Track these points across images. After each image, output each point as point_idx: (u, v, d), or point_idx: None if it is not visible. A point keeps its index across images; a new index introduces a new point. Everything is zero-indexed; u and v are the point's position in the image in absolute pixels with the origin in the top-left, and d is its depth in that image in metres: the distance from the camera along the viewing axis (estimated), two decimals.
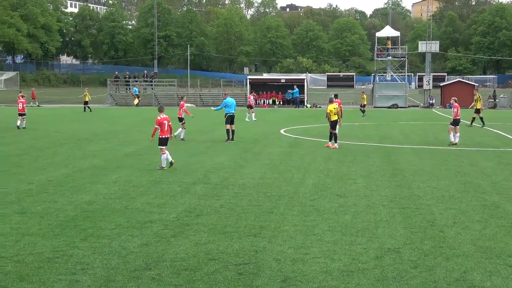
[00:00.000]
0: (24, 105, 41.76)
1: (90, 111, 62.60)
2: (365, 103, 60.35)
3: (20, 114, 40.73)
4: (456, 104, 32.16)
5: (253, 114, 51.17)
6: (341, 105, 37.20)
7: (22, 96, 43.02)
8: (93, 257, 11.29)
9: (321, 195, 17.41)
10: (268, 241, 12.46)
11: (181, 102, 34.41)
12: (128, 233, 12.97)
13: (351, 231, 13.29)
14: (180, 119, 33.34)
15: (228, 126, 32.17)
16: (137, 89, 79.73)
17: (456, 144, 30.99)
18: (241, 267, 10.75)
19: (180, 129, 33.11)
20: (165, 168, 22.25)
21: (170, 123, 23.12)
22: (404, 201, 16.66)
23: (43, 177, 20.23)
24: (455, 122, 31.55)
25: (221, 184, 19.12)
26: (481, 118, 43.58)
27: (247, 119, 49.78)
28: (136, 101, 76.26)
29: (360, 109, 58.93)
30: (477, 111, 43.79)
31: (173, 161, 22.53)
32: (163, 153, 22.46)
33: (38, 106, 70.36)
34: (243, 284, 9.92)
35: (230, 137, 32.02)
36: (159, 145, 22.65)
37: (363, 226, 13.70)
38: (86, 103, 65.21)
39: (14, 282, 9.89)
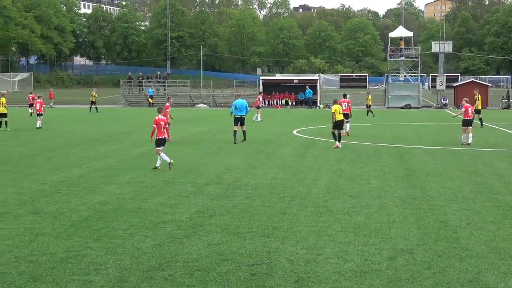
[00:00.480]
0: (43, 105, 42.38)
1: (97, 111, 62.78)
2: (370, 103, 60.29)
3: (38, 115, 41.38)
4: (467, 104, 32.14)
5: (259, 114, 51.25)
6: (349, 105, 37.56)
7: (39, 97, 43.58)
8: (106, 257, 11.31)
9: (334, 196, 17.38)
10: (281, 241, 12.45)
11: (167, 104, 34.26)
12: (141, 234, 12.99)
13: (364, 231, 13.27)
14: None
15: (235, 128, 32.17)
16: (151, 90, 80.00)
17: (469, 144, 30.92)
18: (254, 268, 10.75)
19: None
20: (159, 168, 22.33)
21: (167, 125, 23.29)
22: (417, 201, 16.61)
23: (56, 178, 20.30)
24: (465, 123, 31.57)
25: (234, 185, 19.12)
26: (480, 119, 43.59)
27: (253, 119, 49.81)
28: (150, 101, 76.67)
29: (368, 110, 58.79)
30: (477, 111, 43.83)
31: (171, 161, 22.59)
32: (159, 153, 22.55)
33: (51, 106, 70.60)
34: (255, 284, 9.92)
35: (237, 138, 31.77)
36: (156, 146, 22.73)
37: (376, 227, 13.67)
38: (93, 103, 65.57)
39: (28, 282, 9.92)
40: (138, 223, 13.91)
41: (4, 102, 41.17)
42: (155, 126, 22.73)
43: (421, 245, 12.21)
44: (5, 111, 40.75)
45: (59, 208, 15.54)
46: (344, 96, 40.46)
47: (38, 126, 40.97)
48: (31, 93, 63.89)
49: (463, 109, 32.08)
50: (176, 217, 14.54)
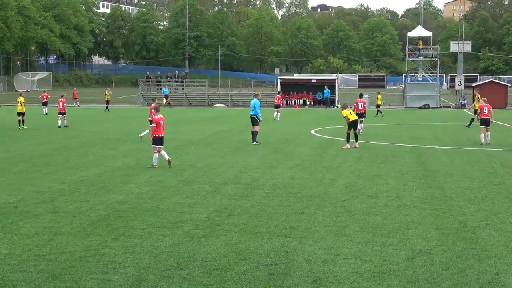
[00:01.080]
0: (64, 104, 42.82)
1: (108, 111, 63.12)
2: (380, 103, 60.23)
3: (60, 113, 41.83)
4: (485, 104, 32.09)
5: (279, 114, 51.37)
6: (365, 105, 38.04)
7: (62, 96, 44.05)
8: (124, 256, 11.35)
9: (352, 196, 17.35)
10: (298, 241, 12.44)
11: (152, 104, 34.07)
12: (159, 233, 13.02)
13: (382, 232, 13.23)
14: (151, 121, 33.05)
15: (252, 128, 31.86)
16: (167, 90, 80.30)
17: (487, 143, 30.84)
18: (271, 268, 10.75)
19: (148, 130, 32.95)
20: (156, 166, 22.48)
21: (164, 124, 23.40)
22: (435, 202, 16.55)
23: (75, 177, 20.39)
24: (482, 122, 31.62)
25: (252, 184, 19.13)
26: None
27: (274, 118, 50.04)
28: (164, 101, 76.97)
29: (378, 110, 58.71)
30: (477, 111, 43.85)
31: (169, 158, 22.76)
32: (155, 152, 22.65)
33: (78, 106, 71.02)
34: (273, 284, 9.91)
35: (253, 138, 31.44)
36: (153, 144, 22.86)
37: (395, 227, 13.63)
38: (107, 102, 66.09)
39: (47, 281, 9.97)
40: (156, 222, 13.95)
41: (23, 101, 41.61)
42: (154, 125, 22.90)
43: (439, 246, 12.16)
44: (23, 110, 41.10)
45: (78, 207, 15.61)
46: (360, 96, 41.14)
47: (60, 124, 41.34)
48: (44, 91, 64.28)
49: (479, 109, 32.15)
50: (194, 217, 14.57)
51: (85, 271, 10.48)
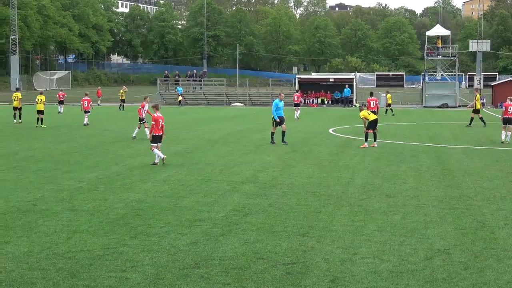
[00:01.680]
0: (90, 103, 43.36)
1: (122, 110, 63.30)
2: (390, 102, 60.34)
3: (85, 112, 43.06)
4: (510, 103, 32.01)
5: (298, 112, 51.61)
6: (377, 102, 38.68)
7: (86, 94, 44.86)
8: (142, 254, 11.38)
9: (370, 195, 17.31)
10: (316, 240, 12.43)
11: (143, 103, 34.26)
12: (177, 231, 13.05)
13: (400, 231, 13.20)
14: (141, 119, 33.52)
15: (282, 127, 31.05)
16: (181, 89, 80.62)
17: (507, 143, 30.73)
18: (289, 267, 10.75)
19: (137, 128, 33.54)
20: (158, 163, 22.60)
21: (163, 122, 23.56)
22: (454, 201, 16.49)
23: (94, 175, 20.47)
24: (505, 121, 31.68)
25: (270, 183, 19.13)
26: (481, 118, 43.59)
27: (295, 117, 50.29)
28: (179, 99, 77.44)
29: (389, 109, 58.85)
30: (476, 111, 43.84)
31: (164, 156, 22.94)
32: (152, 150, 22.86)
33: (98, 105, 71.41)
34: (291, 283, 9.91)
35: (283, 139, 30.79)
36: (151, 142, 23.03)
37: (413, 227, 13.59)
38: (122, 101, 66.36)
39: (66, 279, 10.02)
40: (174, 221, 13.98)
41: (44, 99, 42.34)
42: (154, 123, 23.02)
43: (458, 246, 12.12)
44: (42, 108, 41.71)
45: (96, 205, 15.67)
46: (371, 94, 42.27)
47: (85, 123, 42.25)
48: (61, 90, 64.69)
49: (503, 108, 32.13)
50: (212, 215, 14.59)
51: (103, 269, 10.53)
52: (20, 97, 45.31)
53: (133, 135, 32.94)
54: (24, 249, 11.70)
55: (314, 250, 11.74)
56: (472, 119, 43.61)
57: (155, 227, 13.45)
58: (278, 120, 30.99)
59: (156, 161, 22.87)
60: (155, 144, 22.96)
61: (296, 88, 75.01)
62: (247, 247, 11.89)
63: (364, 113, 30.14)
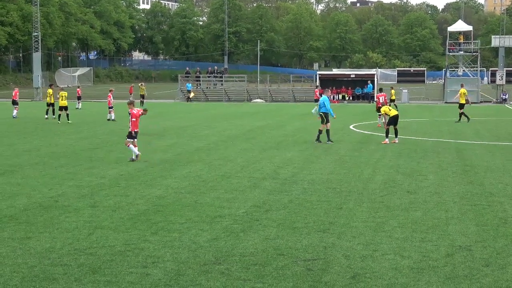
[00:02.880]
0: (110, 99, 44.87)
1: (142, 104, 63.47)
2: (393, 97, 60.27)
3: (109, 108, 44.17)
4: None
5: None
6: (385, 98, 39.84)
7: (110, 91, 46.25)
8: (163, 250, 11.42)
9: (390, 191, 17.27)
10: (337, 237, 12.42)
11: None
12: (198, 228, 13.08)
13: (421, 228, 13.15)
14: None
15: (327, 126, 30.10)
16: (190, 85, 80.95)
17: None
18: (310, 263, 10.74)
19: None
20: (135, 160, 22.65)
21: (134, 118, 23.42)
22: (475, 198, 16.40)
23: (115, 171, 20.56)
24: None
25: (290, 180, 19.12)
26: (465, 114, 43.69)
27: (313, 112, 50.38)
28: (192, 95, 77.77)
29: (393, 104, 58.64)
30: (461, 106, 43.92)
31: (139, 153, 22.94)
32: (128, 145, 22.74)
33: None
34: (312, 279, 9.91)
35: (318, 137, 29.76)
36: (128, 137, 22.98)
37: (434, 223, 13.54)
38: (142, 96, 66.68)
39: (87, 274, 10.08)
40: (195, 217, 14.02)
41: (66, 95, 43.07)
42: (134, 119, 22.95)
43: (479, 242, 12.06)
44: (66, 104, 42.43)
45: (117, 201, 15.74)
46: (380, 90, 42.93)
47: (109, 118, 43.40)
48: (78, 87, 65.16)
49: None
50: (232, 211, 14.61)
51: (125, 265, 10.58)
52: (51, 93, 46.22)
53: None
54: (46, 245, 11.78)
55: (334, 247, 11.73)
56: (461, 114, 43.74)
57: (176, 223, 13.49)
58: (335, 116, 30.82)
59: (133, 157, 22.78)
60: (131, 140, 22.91)
61: (317, 84, 74.99)
62: (268, 243, 11.90)
63: (385, 108, 30.04)
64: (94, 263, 10.65)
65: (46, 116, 45.34)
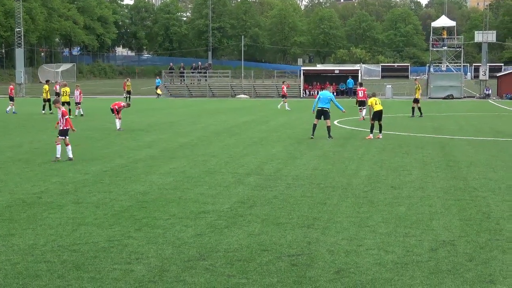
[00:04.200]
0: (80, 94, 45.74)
1: (128, 100, 63.50)
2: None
3: (77, 103, 44.87)
4: None
5: (286, 104, 52.40)
6: (365, 92, 41.50)
7: (77, 86, 47.04)
8: (147, 247, 11.39)
9: (374, 187, 17.30)
10: (321, 232, 12.43)
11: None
12: (182, 224, 13.06)
13: (405, 223, 13.18)
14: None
15: (315, 121, 29.97)
16: (159, 81, 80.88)
17: None
18: (294, 258, 10.74)
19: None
20: (60, 158, 22.00)
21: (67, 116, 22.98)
22: (459, 192, 16.46)
23: (98, 168, 20.49)
24: None
25: (275, 175, 19.12)
26: (419, 108, 44.35)
27: (279, 107, 51.47)
28: (159, 91, 77.55)
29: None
30: (416, 100, 44.64)
31: (59, 157, 22.11)
32: (58, 144, 22.21)
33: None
34: (296, 275, 9.91)
35: (313, 133, 29.55)
36: (60, 135, 22.33)
37: (418, 218, 13.57)
38: (128, 92, 66.86)
39: (71, 271, 10.03)
40: (179, 213, 13.99)
41: (68, 91, 45.59)
42: (67, 117, 22.65)
43: (463, 237, 12.10)
44: (68, 100, 44.50)
45: (101, 198, 15.69)
46: (360, 85, 45.06)
47: (77, 114, 43.69)
48: (56, 82, 65.38)
49: None
50: (216, 207, 14.59)
51: (108, 261, 10.54)
52: (47, 89, 47.72)
53: (118, 127, 32.89)
54: (29, 241, 11.72)
55: (319, 242, 11.73)
56: (413, 108, 44.54)
57: (160, 219, 13.46)
58: (344, 111, 31.06)
59: (58, 156, 22.09)
60: (63, 138, 22.34)
61: (301, 80, 75.20)
62: (252, 239, 11.89)
63: (372, 100, 30.05)
64: (77, 260, 10.60)
65: (43, 111, 46.70)
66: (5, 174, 19.27)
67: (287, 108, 51.68)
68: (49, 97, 46.90)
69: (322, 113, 29.81)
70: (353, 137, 30.50)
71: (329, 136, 29.24)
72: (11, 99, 48.66)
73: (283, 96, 55.16)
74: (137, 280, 9.63)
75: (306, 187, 17.23)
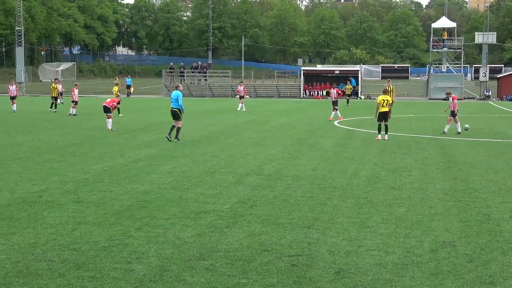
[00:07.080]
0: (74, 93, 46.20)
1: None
2: (348, 92, 66.29)
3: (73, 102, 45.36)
4: None
5: (242, 104, 51.43)
6: (339, 92, 43.59)
7: (75, 85, 47.67)
8: (148, 246, 11.40)
9: (375, 187, 17.31)
10: (321, 232, 12.43)
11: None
12: (182, 223, 13.06)
13: (405, 224, 13.19)
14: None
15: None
16: (130, 80, 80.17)
17: None
18: (294, 259, 10.75)
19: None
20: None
21: None
22: (459, 194, 16.47)
23: (99, 167, 20.49)
24: None
25: (275, 175, 19.12)
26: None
27: (238, 109, 50.80)
28: (131, 90, 76.27)
29: (348, 99, 63.73)
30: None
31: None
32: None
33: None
34: (296, 275, 9.92)
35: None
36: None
37: (418, 219, 13.58)
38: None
39: (71, 270, 10.05)
40: (179, 213, 13.99)
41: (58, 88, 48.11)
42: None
43: (463, 238, 12.11)
44: (56, 95, 47.55)
45: (101, 197, 15.69)
46: (350, 81, 45.66)
47: (70, 113, 44.20)
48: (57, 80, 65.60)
49: None
50: (217, 207, 14.60)
51: (109, 260, 10.55)
52: (56, 87, 49.33)
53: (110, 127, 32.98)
54: (29, 240, 11.73)
55: (319, 242, 11.74)
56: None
57: (160, 218, 13.47)
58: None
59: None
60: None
61: (301, 80, 75.28)
62: (252, 239, 11.90)
63: (380, 98, 29.95)
64: (78, 259, 10.61)
65: (50, 109, 47.83)
66: (6, 173, 19.27)
67: (244, 109, 50.71)
68: (56, 95, 48.88)
69: (172, 113, 28.37)
70: (353, 137, 30.50)
71: (176, 137, 27.89)
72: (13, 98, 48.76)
73: (241, 97, 53.58)
74: (137, 280, 9.64)
75: (306, 187, 17.24)
